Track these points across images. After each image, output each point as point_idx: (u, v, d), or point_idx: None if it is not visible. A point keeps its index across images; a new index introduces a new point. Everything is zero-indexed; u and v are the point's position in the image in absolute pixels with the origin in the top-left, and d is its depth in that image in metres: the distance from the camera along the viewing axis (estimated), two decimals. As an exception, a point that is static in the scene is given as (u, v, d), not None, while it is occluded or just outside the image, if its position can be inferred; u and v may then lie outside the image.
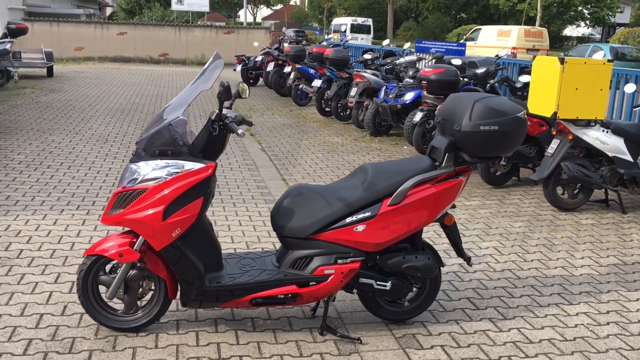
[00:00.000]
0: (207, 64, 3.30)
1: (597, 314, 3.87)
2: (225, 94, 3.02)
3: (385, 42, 12.98)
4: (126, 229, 3.28)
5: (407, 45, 12.22)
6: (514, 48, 24.24)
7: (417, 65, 10.07)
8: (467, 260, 3.64)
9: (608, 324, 3.73)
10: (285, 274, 3.30)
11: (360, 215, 3.27)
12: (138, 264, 3.23)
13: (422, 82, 7.37)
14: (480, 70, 8.45)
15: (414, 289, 3.65)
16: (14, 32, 13.53)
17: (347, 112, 10.43)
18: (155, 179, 3.08)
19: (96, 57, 21.54)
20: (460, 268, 4.50)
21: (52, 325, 3.38)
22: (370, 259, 3.39)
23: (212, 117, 3.16)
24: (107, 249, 3.20)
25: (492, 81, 8.17)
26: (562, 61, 5.42)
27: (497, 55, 9.06)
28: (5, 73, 13.13)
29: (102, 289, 3.33)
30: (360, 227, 3.26)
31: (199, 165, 3.10)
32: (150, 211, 3.06)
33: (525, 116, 3.39)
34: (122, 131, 9.13)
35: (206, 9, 30.89)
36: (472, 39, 27.13)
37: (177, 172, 3.08)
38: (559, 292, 4.17)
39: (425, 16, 50.35)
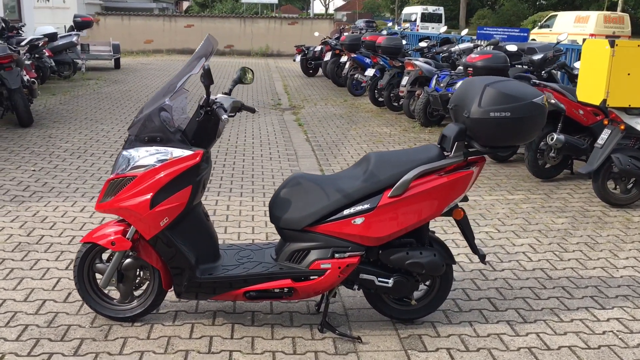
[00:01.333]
0: (199, 47, 3.18)
1: (632, 320, 3.51)
2: (206, 78, 2.89)
3: (442, 29, 12.56)
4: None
5: (464, 32, 11.74)
6: (591, 35, 23.03)
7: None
8: (481, 257, 3.37)
9: (641, 332, 3.39)
10: (280, 268, 3.16)
11: (359, 207, 3.08)
12: (130, 253, 3.18)
13: (469, 69, 7.02)
14: (537, 57, 7.97)
15: (424, 287, 3.44)
16: (80, 25, 14.01)
17: (400, 102, 10.15)
18: (144, 166, 3.00)
19: (164, 50, 22.07)
20: (487, 266, 4.22)
21: (51, 312, 3.39)
22: (371, 254, 3.19)
23: (200, 103, 3.05)
24: (100, 237, 3.16)
25: (548, 68, 7.68)
26: (612, 44, 4.99)
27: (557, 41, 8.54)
28: (72, 65, 13.61)
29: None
30: (359, 220, 3.07)
31: (187, 153, 3.00)
32: (138, 199, 2.99)
33: (545, 102, 3.08)
34: (172, 121, 9.23)
35: (275, 0, 31.10)
36: (548, 26, 25.98)
37: (166, 160, 2.99)
38: (592, 294, 3.83)
39: (501, 3, 48.82)
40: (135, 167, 3.02)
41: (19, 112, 7.99)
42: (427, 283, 3.41)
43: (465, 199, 3.28)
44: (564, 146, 6.05)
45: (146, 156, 3.02)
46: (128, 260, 3.20)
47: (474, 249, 3.36)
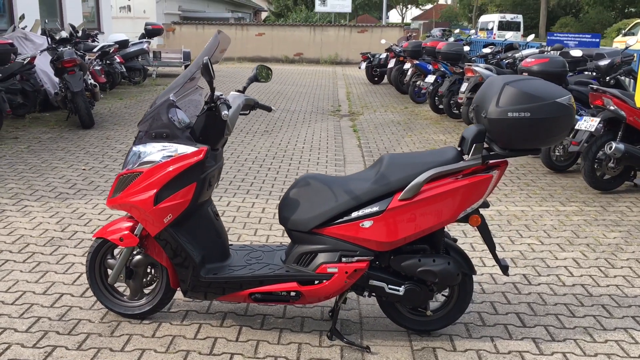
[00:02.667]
0: (207, 44, 3.13)
1: (675, 345, 3.18)
2: (205, 73, 2.83)
3: (508, 35, 12.12)
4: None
5: (530, 37, 11.27)
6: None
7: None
8: (504, 268, 3.15)
9: (684, 358, 3.05)
10: (286, 270, 3.06)
11: (367, 210, 2.94)
12: (139, 249, 3.17)
13: (524, 73, 6.68)
14: (603, 63, 7.53)
15: (443, 298, 3.26)
16: (151, 32, 14.50)
17: (460, 109, 9.84)
18: (151, 162, 2.99)
19: (235, 58, 22.50)
20: (522, 279, 3.96)
21: (66, 305, 3.43)
22: (382, 260, 3.04)
23: (205, 99, 3.01)
24: (111, 232, 3.17)
25: (615, 74, 7.23)
26: (673, 45, 4.60)
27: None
28: (143, 71, 14.08)
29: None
30: (367, 223, 2.93)
31: (191, 149, 2.96)
32: (143, 195, 2.97)
33: (571, 103, 2.84)
34: (227, 125, 9.33)
35: (348, 9, 31.07)
36: (633, 34, 24.71)
37: (171, 156, 2.97)
38: (635, 314, 3.51)
39: (585, 11, 46.90)
40: (142, 163, 3.01)
41: (80, 114, 8.30)
42: (446, 293, 3.23)
43: (486, 205, 3.08)
44: (624, 156, 5.65)
45: (153, 152, 3.00)
46: (137, 257, 3.19)
47: (496, 259, 3.14)
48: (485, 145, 2.97)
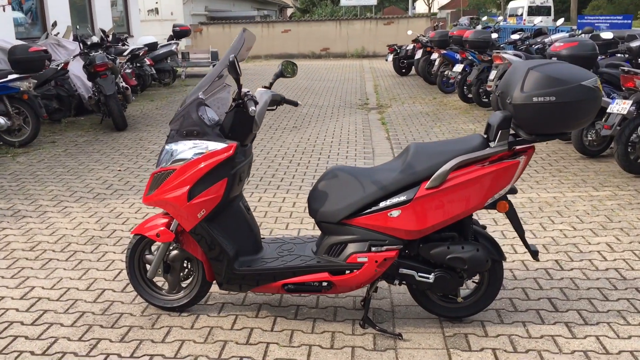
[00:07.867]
0: (233, 41, 3.20)
1: None
2: (232, 70, 2.90)
3: (537, 19, 11.96)
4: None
5: (560, 21, 11.11)
6: None
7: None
8: (533, 254, 3.17)
9: None
10: (318, 261, 3.14)
11: (395, 200, 2.99)
12: (175, 245, 3.28)
13: (552, 58, 6.62)
14: (635, 44, 7.39)
15: (473, 285, 3.29)
16: (178, 34, 14.70)
17: (489, 98, 9.78)
18: (183, 160, 3.09)
19: (262, 55, 22.65)
20: (554, 265, 3.96)
21: (108, 300, 3.56)
22: (411, 248, 3.09)
23: (233, 96, 3.09)
24: (148, 229, 3.28)
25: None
26: None
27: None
28: (172, 72, 14.29)
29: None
30: (395, 213, 2.98)
31: (221, 146, 3.05)
32: (177, 192, 3.07)
33: (597, 85, 2.84)
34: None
35: (374, 2, 30.97)
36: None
37: (202, 153, 3.06)
38: (670, 297, 3.49)
39: (618, -8, 45.88)
40: (175, 161, 3.11)
41: (114, 116, 8.51)
42: (476, 280, 3.26)
43: (514, 191, 3.10)
44: (659, 139, 5.57)
45: (185, 150, 3.10)
46: (174, 252, 3.30)
47: (526, 245, 3.16)
48: (512, 132, 3.00)
